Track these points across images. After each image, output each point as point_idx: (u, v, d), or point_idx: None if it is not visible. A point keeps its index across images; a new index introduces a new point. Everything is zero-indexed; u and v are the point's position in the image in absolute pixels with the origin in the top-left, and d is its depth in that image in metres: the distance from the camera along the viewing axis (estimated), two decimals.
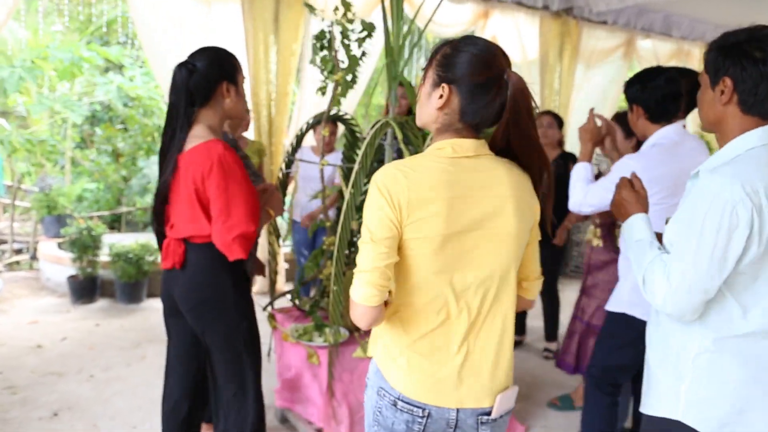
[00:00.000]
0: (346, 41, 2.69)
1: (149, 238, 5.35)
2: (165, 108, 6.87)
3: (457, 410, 1.35)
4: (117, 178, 6.82)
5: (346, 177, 2.84)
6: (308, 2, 2.72)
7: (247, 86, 4.51)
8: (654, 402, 1.56)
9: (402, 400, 1.35)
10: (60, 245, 5.61)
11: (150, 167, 6.65)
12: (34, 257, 6.06)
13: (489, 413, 1.37)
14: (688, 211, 1.41)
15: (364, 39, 2.68)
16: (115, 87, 6.33)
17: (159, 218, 2.05)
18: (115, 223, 7.13)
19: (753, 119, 1.44)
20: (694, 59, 7.26)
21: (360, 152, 2.43)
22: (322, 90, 2.71)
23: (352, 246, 2.77)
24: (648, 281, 1.48)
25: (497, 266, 1.34)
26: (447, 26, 5.59)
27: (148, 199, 6.80)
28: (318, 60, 2.67)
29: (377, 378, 1.41)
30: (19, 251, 6.41)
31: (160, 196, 2.01)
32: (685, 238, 1.39)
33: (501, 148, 1.38)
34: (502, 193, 1.33)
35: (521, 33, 5.95)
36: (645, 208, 1.71)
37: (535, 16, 5.92)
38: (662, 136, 2.33)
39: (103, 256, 5.04)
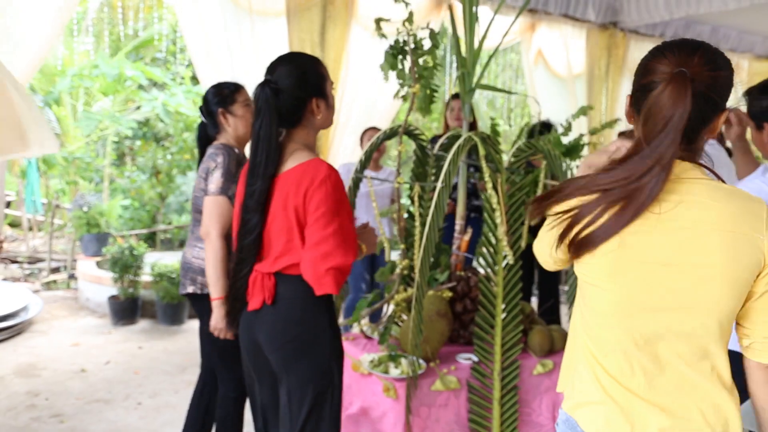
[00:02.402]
0: (419, 53, 2.54)
1: None
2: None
3: None
4: (153, 195, 6.73)
5: (420, 196, 2.67)
6: (378, 18, 2.57)
7: None
8: None
9: None
10: (98, 264, 5.51)
11: (188, 184, 6.54)
12: (72, 276, 5.96)
13: None
14: None
15: (433, 49, 2.53)
16: (161, 103, 6.27)
17: (252, 255, 1.82)
18: (149, 241, 7.04)
19: None
20: (742, 71, 7.04)
21: (443, 170, 2.27)
22: (404, 98, 2.56)
23: (436, 268, 2.61)
24: None
25: (696, 309, 1.14)
26: (493, 38, 5.44)
27: (186, 218, 6.69)
28: (391, 70, 2.52)
29: None
30: (56, 270, 6.32)
31: (255, 228, 1.78)
32: None
33: None
34: (710, 225, 1.12)
35: (568, 46, 5.78)
36: None
37: (582, 29, 5.75)
38: None
39: (144, 276, 4.92)
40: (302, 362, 1.79)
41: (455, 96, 4.07)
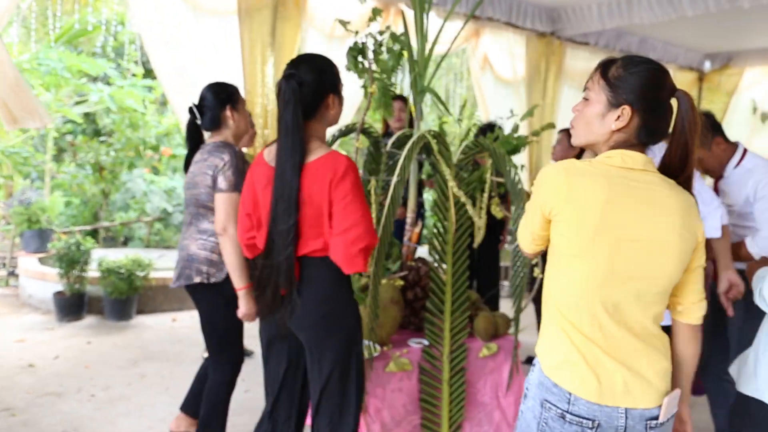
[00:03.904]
0: (379, 53, 2.69)
1: (136, 252, 5.21)
2: (150, 121, 6.70)
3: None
4: (96, 192, 6.62)
5: (373, 189, 2.82)
6: (341, 20, 2.72)
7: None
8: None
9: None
10: (41, 260, 5.41)
11: (134, 181, 6.47)
12: (12, 273, 5.82)
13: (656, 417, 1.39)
14: None
15: (400, 52, 2.70)
16: (108, 95, 6.17)
17: (289, 241, 1.91)
18: (89, 237, 6.92)
19: None
20: None
21: (398, 165, 2.43)
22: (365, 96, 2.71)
23: (388, 258, 2.77)
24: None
25: (662, 279, 1.39)
26: (440, 44, 5.64)
27: (132, 214, 6.62)
28: (354, 70, 2.67)
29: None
30: None
31: (292, 214, 1.89)
32: None
33: (676, 169, 1.43)
34: (667, 210, 1.37)
35: (511, 52, 6.06)
36: None
37: (522, 36, 6.05)
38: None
39: (91, 272, 4.88)
40: (334, 337, 1.97)
41: (395, 98, 4.25)
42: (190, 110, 2.62)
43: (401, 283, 2.84)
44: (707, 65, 7.76)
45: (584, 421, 1.35)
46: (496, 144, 2.83)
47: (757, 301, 1.85)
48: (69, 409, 3.25)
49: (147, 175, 6.80)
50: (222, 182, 2.41)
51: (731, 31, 6.41)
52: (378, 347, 2.60)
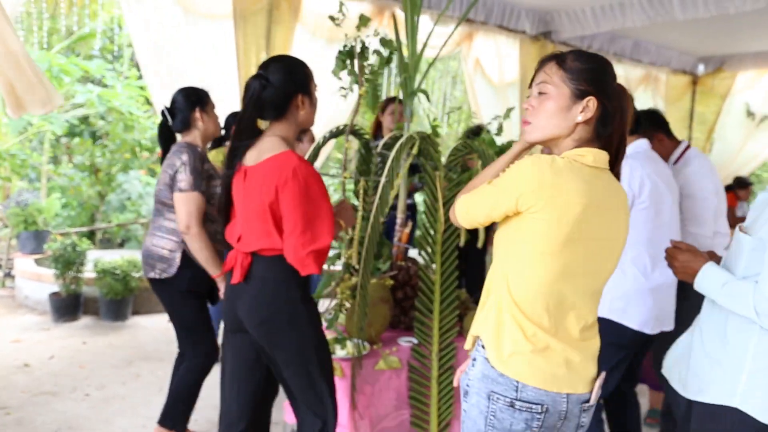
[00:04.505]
0: (366, 56, 2.73)
1: (131, 254, 5.25)
2: (145, 123, 6.74)
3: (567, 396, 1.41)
4: (92, 194, 6.65)
5: (363, 190, 2.86)
6: (331, 15, 2.76)
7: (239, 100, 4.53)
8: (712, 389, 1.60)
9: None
10: (38, 261, 5.45)
11: (130, 182, 6.51)
12: (8, 274, 5.85)
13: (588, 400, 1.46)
14: None
15: (389, 57, 2.74)
16: (96, 95, 6.20)
17: (222, 223, 2.10)
18: (87, 240, 6.94)
19: None
20: (661, 84, 7.58)
21: (386, 166, 2.47)
22: (344, 96, 2.75)
23: (378, 258, 2.82)
24: (763, 311, 1.46)
25: (606, 274, 1.46)
26: (433, 47, 5.68)
27: (128, 216, 6.65)
28: (343, 72, 2.71)
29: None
30: None
31: (221, 201, 2.05)
32: None
33: (611, 161, 1.47)
34: (619, 208, 1.44)
35: (504, 56, 6.10)
36: (706, 259, 1.67)
37: (515, 39, 6.09)
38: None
39: (86, 273, 4.91)
40: (284, 337, 1.98)
41: (394, 99, 4.27)
42: (162, 113, 2.71)
43: (391, 282, 2.87)
44: (701, 68, 7.81)
45: (533, 406, 1.38)
46: (485, 145, 2.88)
47: (749, 311, 1.51)
48: (64, 408, 3.28)
49: (143, 177, 6.84)
50: (181, 182, 2.51)
51: (724, 35, 6.47)
52: (368, 345, 2.64)
